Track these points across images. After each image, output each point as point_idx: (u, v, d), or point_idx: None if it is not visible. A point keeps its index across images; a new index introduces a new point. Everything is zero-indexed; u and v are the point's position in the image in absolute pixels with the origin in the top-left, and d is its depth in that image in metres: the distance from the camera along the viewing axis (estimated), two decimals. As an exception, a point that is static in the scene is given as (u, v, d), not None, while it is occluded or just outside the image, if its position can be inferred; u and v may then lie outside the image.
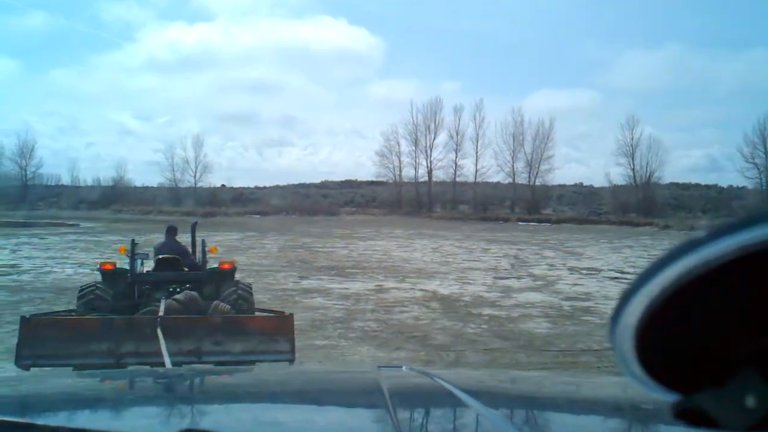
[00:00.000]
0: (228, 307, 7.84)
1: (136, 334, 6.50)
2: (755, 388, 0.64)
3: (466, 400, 1.68)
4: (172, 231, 9.41)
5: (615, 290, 19.99)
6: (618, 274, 24.16)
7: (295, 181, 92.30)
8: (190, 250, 9.48)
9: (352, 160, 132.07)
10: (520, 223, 63.37)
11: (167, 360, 5.64)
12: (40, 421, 1.40)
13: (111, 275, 8.61)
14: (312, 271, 23.09)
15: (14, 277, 20.29)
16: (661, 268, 0.62)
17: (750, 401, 0.64)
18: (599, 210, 71.69)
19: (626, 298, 0.66)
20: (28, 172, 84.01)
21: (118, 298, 8.33)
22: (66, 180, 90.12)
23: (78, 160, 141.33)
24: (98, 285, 8.45)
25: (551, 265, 26.71)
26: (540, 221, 64.02)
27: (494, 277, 22.33)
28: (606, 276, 23.69)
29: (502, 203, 76.43)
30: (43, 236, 39.09)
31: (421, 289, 18.91)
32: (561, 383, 2.54)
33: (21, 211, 69.29)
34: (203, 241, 9.42)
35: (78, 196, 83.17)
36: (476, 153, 76.53)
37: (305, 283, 19.73)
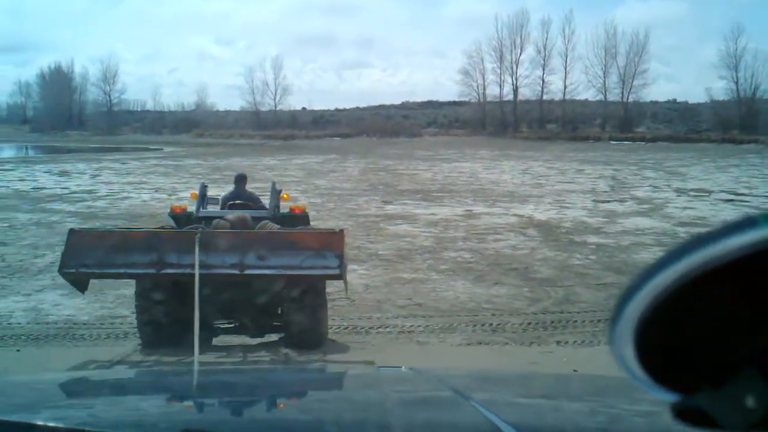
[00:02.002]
0: (277, 226, 7.39)
1: (179, 246, 6.41)
2: (755, 388, 0.65)
3: (465, 400, 1.72)
4: (241, 179, 8.70)
5: (732, 214, 18.02)
6: (732, 196, 22.04)
7: (375, 103, 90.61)
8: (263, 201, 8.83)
9: (433, 80, 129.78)
10: (613, 142, 60.18)
11: (197, 272, 5.92)
12: (39, 421, 1.35)
13: (180, 218, 8.29)
14: (395, 195, 21.83)
15: (89, 203, 19.83)
16: (662, 267, 0.63)
17: (750, 401, 0.65)
18: (698, 127, 67.23)
19: (626, 297, 0.66)
20: (112, 98, 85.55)
21: None
22: (150, 105, 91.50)
23: (161, 86, 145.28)
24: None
25: (655, 187, 24.66)
26: (634, 140, 60.60)
27: (594, 200, 20.61)
28: (718, 198, 21.63)
29: (592, 121, 72.51)
30: (124, 161, 39.19)
31: (515, 214, 17.43)
32: (561, 382, 2.46)
33: (105, 136, 70.84)
34: (274, 184, 8.78)
35: (162, 121, 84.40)
36: (565, 68, 72.45)
37: (389, 209, 18.50)
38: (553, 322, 8.10)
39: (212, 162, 36.95)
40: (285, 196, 8.77)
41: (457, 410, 1.70)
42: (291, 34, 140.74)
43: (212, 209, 8.17)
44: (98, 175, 29.48)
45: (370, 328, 7.87)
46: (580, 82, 73.11)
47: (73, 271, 6.42)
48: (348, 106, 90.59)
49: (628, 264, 11.43)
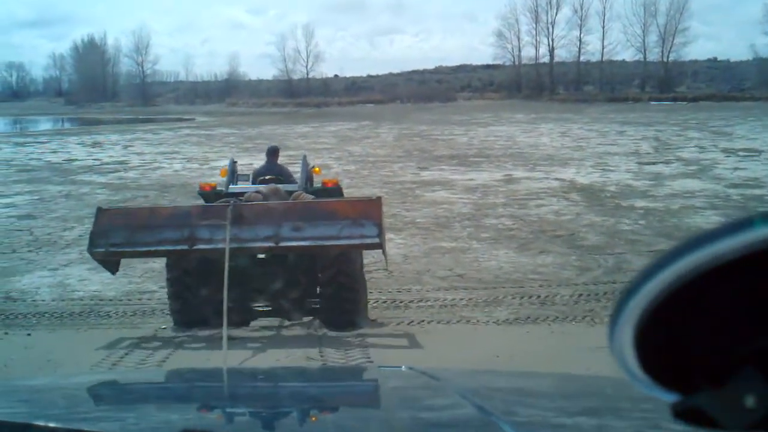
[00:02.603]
0: (311, 196, 7.07)
1: (210, 221, 6.17)
2: (755, 388, 0.65)
3: (465, 400, 1.70)
4: (273, 152, 8.30)
5: (787, 175, 17.15)
6: (784, 156, 20.98)
7: (408, 68, 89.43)
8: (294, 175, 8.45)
9: (466, 44, 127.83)
10: (653, 102, 58.51)
11: (227, 247, 5.75)
12: (39, 421, 1.34)
13: (209, 195, 7.95)
14: (431, 160, 21.23)
15: (120, 174, 19.59)
16: (661, 267, 0.63)
17: (750, 401, 0.65)
18: (741, 86, 65.10)
19: (626, 296, 0.66)
20: (145, 69, 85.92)
21: None
22: (182, 76, 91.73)
23: (193, 56, 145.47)
24: None
25: (701, 147, 23.70)
26: (675, 100, 58.87)
27: (638, 163, 19.82)
28: (770, 158, 20.60)
29: (630, 82, 70.83)
30: (157, 131, 38.99)
31: (557, 179, 16.78)
32: (561, 383, 2.36)
33: (139, 107, 71.24)
34: (305, 158, 8.37)
35: (195, 91, 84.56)
36: (603, 28, 70.86)
37: (425, 175, 17.96)
38: (606, 293, 7.53)
39: (244, 131, 36.65)
40: (317, 169, 8.36)
41: (457, 410, 1.70)
42: (322, 2, 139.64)
43: (242, 185, 7.79)
44: (130, 146, 29.28)
45: (410, 302, 7.40)
46: (618, 42, 71.51)
47: (103, 250, 6.21)
48: (381, 72, 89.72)
49: (680, 229, 10.80)
